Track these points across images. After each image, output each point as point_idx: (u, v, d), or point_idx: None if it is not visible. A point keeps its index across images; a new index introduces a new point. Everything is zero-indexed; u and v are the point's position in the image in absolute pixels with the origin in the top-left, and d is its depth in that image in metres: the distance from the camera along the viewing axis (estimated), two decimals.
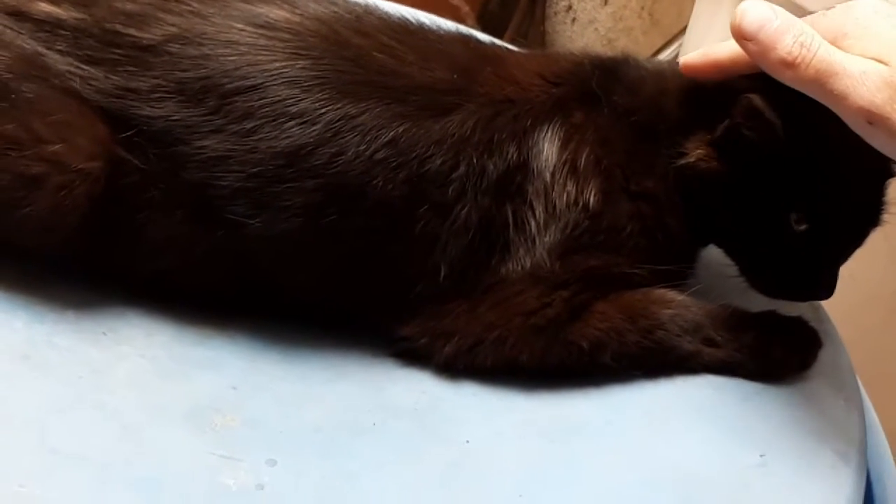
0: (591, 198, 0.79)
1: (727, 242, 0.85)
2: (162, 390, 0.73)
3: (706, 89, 0.81)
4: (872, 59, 0.68)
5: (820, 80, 0.68)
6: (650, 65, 0.88)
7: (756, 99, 0.75)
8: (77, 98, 0.74)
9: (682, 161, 0.80)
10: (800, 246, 0.79)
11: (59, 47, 0.75)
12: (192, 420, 0.71)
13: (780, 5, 0.73)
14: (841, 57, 0.69)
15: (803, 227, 0.78)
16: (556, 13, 2.11)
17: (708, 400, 0.79)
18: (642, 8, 2.05)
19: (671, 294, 0.81)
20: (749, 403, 0.79)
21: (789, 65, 0.69)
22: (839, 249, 0.82)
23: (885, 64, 0.67)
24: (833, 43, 0.70)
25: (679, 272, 0.82)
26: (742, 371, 0.80)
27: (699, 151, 0.80)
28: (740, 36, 0.72)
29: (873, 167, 0.79)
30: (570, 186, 0.78)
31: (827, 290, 0.82)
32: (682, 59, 0.81)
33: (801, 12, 0.73)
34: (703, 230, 0.84)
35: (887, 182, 0.81)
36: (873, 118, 0.67)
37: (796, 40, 0.69)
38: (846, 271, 0.83)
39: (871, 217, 0.81)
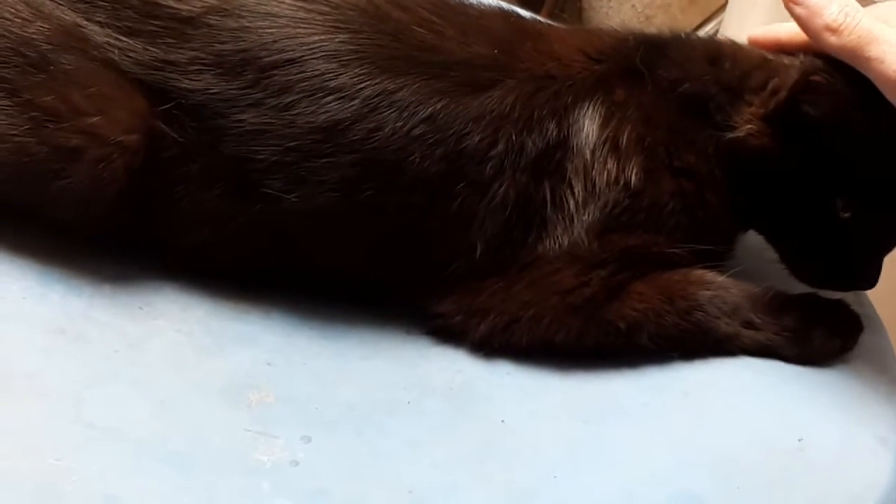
0: (633, 176, 0.78)
1: (768, 226, 0.83)
2: (198, 365, 0.73)
3: (762, 63, 0.80)
4: None
5: (860, 46, 0.72)
6: (701, 38, 0.87)
7: (820, 73, 0.75)
8: (116, 70, 0.74)
9: (731, 135, 0.79)
10: (843, 234, 0.78)
11: (99, 18, 0.75)
12: (227, 395, 0.71)
13: None
14: (882, 27, 0.72)
15: (848, 214, 0.77)
16: None
17: (746, 382, 0.78)
18: None
19: (710, 275, 0.80)
20: (788, 387, 0.78)
21: (833, 30, 0.73)
22: (883, 240, 0.81)
23: None
24: None
25: (719, 252, 0.81)
26: (782, 354, 0.79)
27: (750, 126, 0.78)
28: (791, 1, 0.75)
29: None
30: (611, 164, 0.78)
31: (869, 281, 0.81)
32: (748, 34, 0.82)
33: None
34: (745, 211, 0.83)
35: None
36: None
37: (842, 9, 0.73)
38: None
39: None
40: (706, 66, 0.81)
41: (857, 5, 0.73)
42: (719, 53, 0.82)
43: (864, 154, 0.76)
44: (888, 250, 0.81)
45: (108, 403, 0.68)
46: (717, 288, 0.79)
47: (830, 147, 0.76)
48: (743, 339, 0.79)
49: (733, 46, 0.83)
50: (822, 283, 0.82)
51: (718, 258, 0.81)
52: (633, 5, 2.04)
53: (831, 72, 0.75)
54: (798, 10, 0.75)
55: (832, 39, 0.73)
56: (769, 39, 0.81)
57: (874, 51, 0.71)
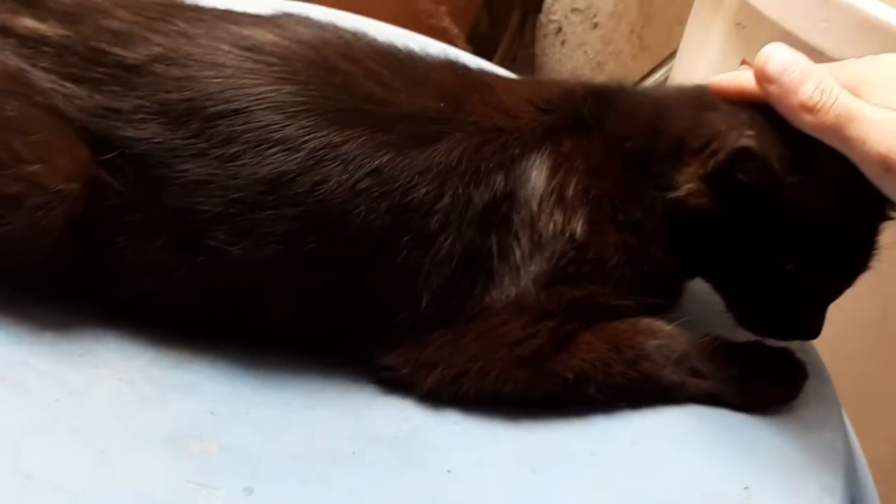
0: (578, 228, 0.78)
1: (714, 277, 0.84)
2: (139, 415, 0.71)
3: (703, 123, 0.80)
4: (892, 107, 0.68)
5: (839, 125, 0.69)
6: (648, 91, 0.88)
7: (752, 142, 0.75)
8: (59, 117, 0.73)
9: (672, 195, 0.79)
10: (787, 285, 0.79)
11: (44, 64, 0.74)
12: (169, 446, 0.69)
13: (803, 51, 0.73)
14: (860, 104, 0.69)
15: (791, 266, 0.78)
16: (545, 35, 2.11)
17: (693, 430, 0.78)
18: (632, 31, 2.05)
19: (657, 324, 0.80)
20: (734, 435, 0.78)
21: (810, 109, 0.70)
22: (827, 291, 0.81)
23: None
24: (854, 90, 0.71)
25: (665, 304, 0.82)
26: (727, 402, 0.80)
27: (690, 186, 0.79)
28: (763, 78, 0.72)
29: (868, 210, 0.79)
30: (557, 216, 0.78)
31: (812, 331, 0.81)
32: (713, 79, 0.81)
33: (824, 59, 0.74)
34: (691, 263, 0.83)
35: (881, 226, 0.81)
36: (891, 164, 0.66)
37: (817, 86, 0.70)
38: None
39: (861, 260, 0.80)
40: (649, 124, 0.82)
41: (833, 79, 0.71)
42: (663, 110, 0.83)
43: (800, 213, 0.76)
44: (831, 300, 0.82)
45: (46, 454, 0.66)
46: (664, 337, 0.80)
47: (767, 207, 0.76)
48: (689, 388, 0.80)
49: (679, 100, 0.84)
50: (767, 333, 0.83)
51: (665, 308, 0.82)
52: (585, 52, 2.07)
53: (767, 141, 0.74)
54: (772, 88, 0.73)
55: (809, 119, 0.71)
56: (733, 89, 0.79)
57: (854, 131, 0.69)
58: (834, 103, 0.70)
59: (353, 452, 0.73)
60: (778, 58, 0.72)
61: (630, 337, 0.79)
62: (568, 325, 0.78)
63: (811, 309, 0.81)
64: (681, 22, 1.77)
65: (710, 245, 0.80)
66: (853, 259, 0.80)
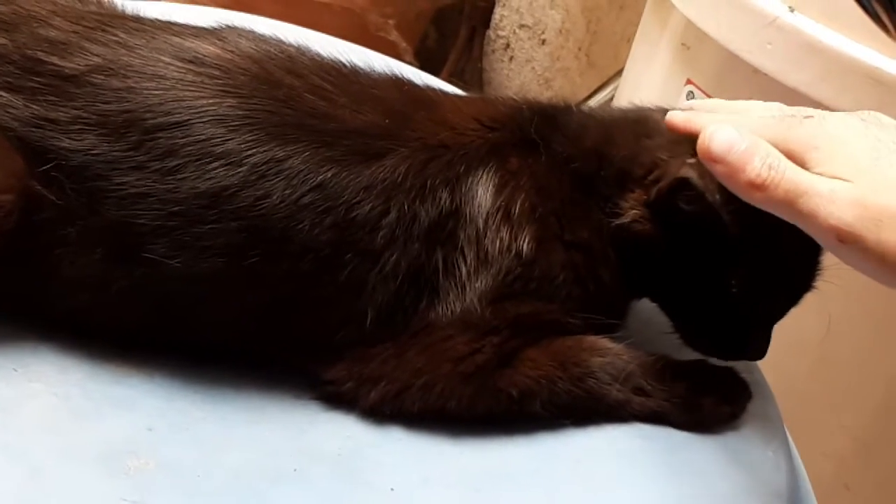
0: (525, 245, 0.77)
1: (661, 299, 0.85)
2: (74, 430, 0.70)
3: (649, 148, 0.80)
4: (840, 177, 0.67)
5: (789, 201, 0.68)
6: (593, 114, 0.88)
7: (692, 172, 0.75)
8: None
9: (618, 221, 0.80)
10: (732, 307, 0.80)
11: None
12: (104, 463, 0.68)
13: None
14: (809, 177, 0.68)
15: (736, 289, 0.78)
16: (493, 51, 2.12)
17: (637, 449, 0.78)
18: (579, 49, 2.07)
19: (602, 342, 0.80)
20: (678, 454, 0.78)
21: (758, 187, 0.68)
22: (772, 312, 0.82)
23: (851, 182, 0.67)
24: (803, 155, 0.70)
25: (611, 322, 0.82)
26: (672, 421, 0.80)
27: (634, 212, 0.79)
28: (709, 158, 0.71)
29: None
30: (504, 233, 0.77)
31: (758, 351, 0.82)
32: (669, 115, 0.80)
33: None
34: (638, 285, 0.84)
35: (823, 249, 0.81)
36: (843, 236, 0.66)
37: (764, 162, 0.69)
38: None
39: (805, 281, 0.81)
40: (594, 150, 0.82)
41: (779, 154, 0.69)
42: (608, 136, 0.83)
43: (741, 238, 0.77)
44: (776, 321, 0.82)
45: None
46: (609, 354, 0.80)
47: (708, 233, 0.77)
48: (634, 406, 0.80)
49: (623, 125, 0.84)
50: (713, 353, 0.83)
51: (610, 327, 0.82)
52: (533, 68, 2.07)
53: (707, 170, 0.74)
54: (718, 168, 0.70)
55: (758, 196, 0.69)
56: (688, 129, 0.78)
57: (804, 205, 0.67)
58: (782, 179, 0.68)
59: (295, 470, 0.71)
60: (722, 137, 0.70)
61: (575, 354, 0.79)
62: (513, 342, 0.77)
63: (756, 330, 0.82)
64: (628, 40, 1.79)
65: (657, 268, 0.81)
66: (796, 280, 0.81)
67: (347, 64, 0.83)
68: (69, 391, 0.72)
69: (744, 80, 1.14)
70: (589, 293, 0.80)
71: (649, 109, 0.87)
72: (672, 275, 0.80)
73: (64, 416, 0.70)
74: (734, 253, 0.77)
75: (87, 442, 0.69)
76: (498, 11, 2.09)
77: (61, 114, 0.72)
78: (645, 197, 0.79)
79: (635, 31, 1.53)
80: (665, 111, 0.83)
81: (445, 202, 0.77)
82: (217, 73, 0.75)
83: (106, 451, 0.69)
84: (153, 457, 0.69)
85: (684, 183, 0.75)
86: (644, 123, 0.84)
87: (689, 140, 0.77)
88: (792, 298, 0.82)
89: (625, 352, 0.80)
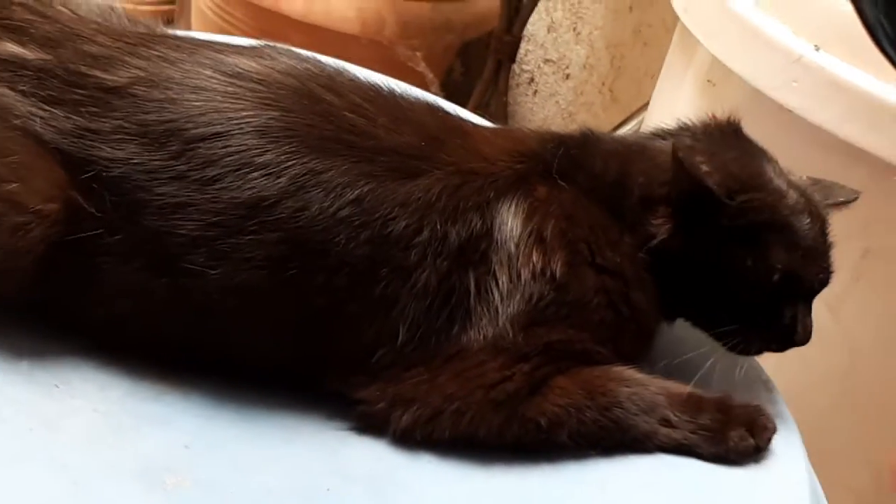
0: (558, 269, 0.79)
1: (699, 313, 0.86)
2: (114, 446, 0.71)
3: (662, 167, 0.83)
4: None
5: None
6: (612, 143, 0.90)
7: (679, 148, 0.79)
8: (37, 140, 0.73)
9: (654, 241, 0.82)
10: (774, 296, 0.82)
11: (22, 88, 0.75)
12: (143, 478, 0.69)
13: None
14: None
15: (776, 276, 0.81)
16: (518, 85, 2.13)
17: (662, 479, 0.79)
18: (603, 84, 2.08)
19: (629, 372, 0.81)
20: (702, 483, 0.79)
21: None
22: (808, 292, 0.84)
23: None
24: None
25: (641, 349, 0.83)
26: (697, 452, 0.81)
27: (667, 227, 0.82)
28: None
29: (815, 209, 0.84)
30: (536, 257, 0.79)
31: (806, 333, 0.84)
32: None
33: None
34: (674, 305, 0.85)
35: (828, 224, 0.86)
36: None
37: None
38: (797, 354, 0.84)
39: (825, 257, 0.84)
40: (616, 181, 0.84)
41: None
42: (625, 169, 0.85)
43: (766, 222, 0.81)
44: (812, 298, 0.85)
45: (20, 484, 0.66)
46: (636, 385, 0.81)
47: (733, 221, 0.80)
48: (660, 437, 0.80)
49: (633, 156, 0.86)
50: (762, 348, 0.85)
51: (639, 356, 0.83)
52: (557, 102, 2.09)
53: (718, 161, 0.80)
54: None
55: None
56: None
57: None
58: None
59: (328, 490, 0.73)
60: None
61: (603, 384, 0.80)
62: (543, 369, 0.78)
63: (799, 314, 0.84)
64: (651, 76, 1.80)
65: (698, 279, 0.83)
66: (818, 258, 0.84)
67: (385, 87, 0.85)
68: (109, 408, 0.74)
69: (769, 117, 1.15)
70: (621, 317, 0.82)
71: (645, 138, 0.91)
72: (715, 280, 0.82)
73: (104, 432, 0.72)
74: (759, 238, 0.81)
75: (126, 458, 0.70)
76: (523, 46, 2.11)
77: (103, 124, 0.74)
78: (669, 208, 0.82)
79: (659, 67, 1.55)
80: (658, 135, 0.88)
81: (476, 225, 0.79)
82: (257, 86, 0.77)
83: (144, 468, 0.70)
84: (190, 474, 0.70)
85: (681, 160, 0.79)
86: (647, 151, 0.87)
87: (695, 140, 0.83)
88: (822, 273, 0.84)
89: (651, 382, 0.81)
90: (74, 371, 0.76)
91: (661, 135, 0.89)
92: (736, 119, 0.89)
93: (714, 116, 0.89)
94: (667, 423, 0.80)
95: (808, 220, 0.83)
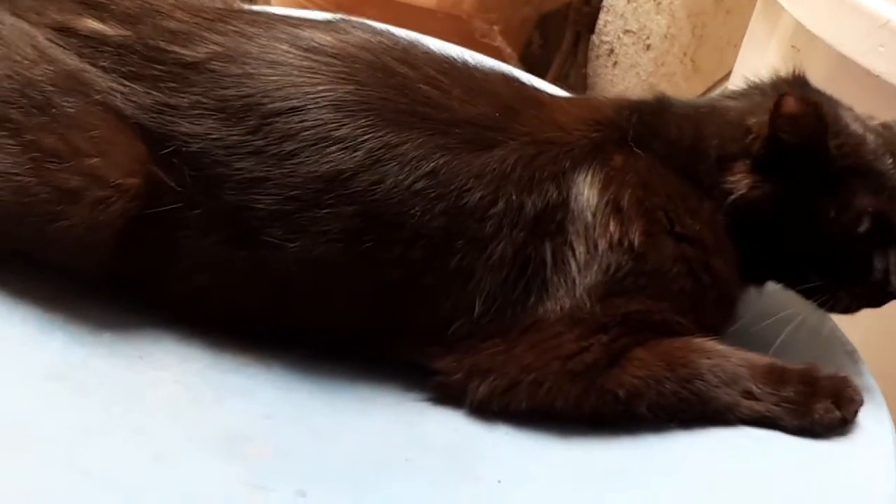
0: (636, 239, 0.78)
1: (787, 269, 0.84)
2: (195, 417, 0.72)
3: (734, 124, 0.83)
4: None
5: None
6: (684, 107, 0.88)
7: (788, 101, 0.77)
8: (117, 115, 0.75)
9: (733, 196, 0.81)
10: (864, 247, 0.81)
11: (103, 63, 0.76)
12: (224, 448, 0.70)
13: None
14: None
15: (865, 227, 0.80)
16: (597, 56, 2.11)
17: (745, 449, 0.78)
18: (684, 54, 2.05)
19: (710, 343, 0.80)
20: (787, 455, 0.78)
21: None
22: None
23: None
24: None
25: (723, 317, 0.82)
26: (781, 425, 0.79)
27: (745, 181, 0.81)
28: None
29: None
30: (613, 227, 0.78)
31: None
32: None
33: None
34: (758, 269, 0.84)
35: None
36: None
37: None
38: (883, 328, 0.82)
39: None
40: (691, 146, 0.84)
41: None
42: (699, 132, 0.84)
43: (857, 168, 0.80)
44: None
45: (103, 453, 0.67)
46: (717, 356, 0.79)
47: (825, 168, 0.79)
48: (742, 409, 0.79)
49: (705, 119, 0.85)
50: (857, 304, 0.83)
51: (721, 327, 0.82)
52: (638, 73, 2.06)
53: (802, 97, 0.78)
54: None
55: None
56: None
57: None
58: None
59: (406, 460, 0.73)
60: None
61: (684, 355, 0.79)
62: (622, 340, 0.78)
63: (891, 266, 0.82)
64: (734, 45, 1.77)
65: (783, 235, 0.81)
66: None
67: (459, 58, 0.85)
68: (191, 379, 0.75)
69: (855, 82, 1.12)
70: (702, 285, 0.80)
71: (713, 99, 0.90)
72: (800, 236, 0.81)
73: (186, 402, 0.73)
74: (849, 185, 0.79)
75: (207, 428, 0.72)
76: (602, 17, 2.08)
77: (182, 99, 0.75)
78: (749, 161, 0.81)
79: (741, 36, 1.52)
80: (727, 97, 0.87)
81: (552, 195, 0.78)
82: (333, 60, 0.77)
83: (225, 437, 0.71)
84: (270, 443, 0.72)
85: (782, 114, 0.78)
86: (718, 111, 0.86)
87: (766, 97, 0.82)
88: None
89: (732, 353, 0.80)
90: (156, 343, 0.77)
91: (730, 95, 0.88)
92: (801, 72, 0.87)
93: (779, 72, 0.88)
94: (749, 395, 0.79)
95: (891, 161, 0.81)
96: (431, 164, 0.75)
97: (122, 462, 0.67)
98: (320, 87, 0.75)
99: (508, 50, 1.88)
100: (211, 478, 0.68)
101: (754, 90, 0.88)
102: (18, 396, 0.70)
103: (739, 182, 0.81)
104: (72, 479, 0.65)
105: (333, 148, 0.74)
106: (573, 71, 2.11)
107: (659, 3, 2.01)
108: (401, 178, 0.75)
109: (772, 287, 0.87)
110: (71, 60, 0.76)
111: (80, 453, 0.67)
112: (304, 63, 0.77)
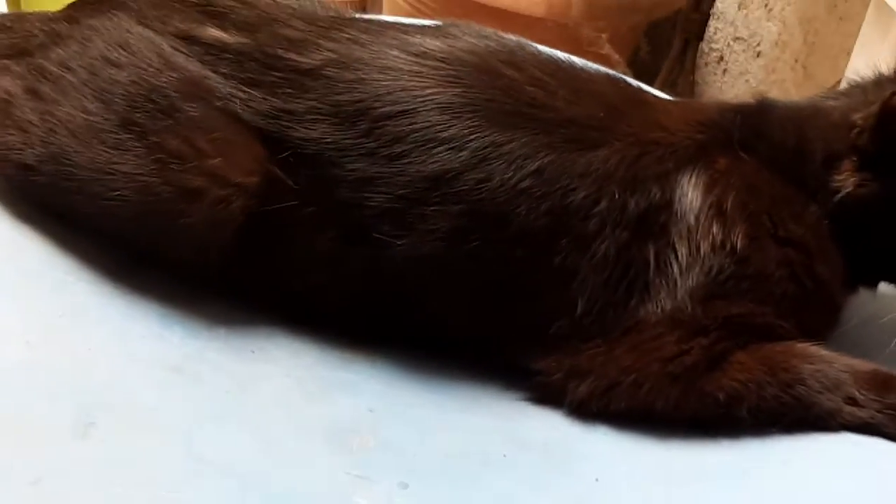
0: (738, 242, 0.78)
1: None
2: (304, 409, 0.75)
3: (839, 124, 0.82)
4: None
5: None
6: (786, 109, 0.88)
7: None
8: (236, 119, 0.78)
9: (841, 195, 0.80)
10: None
11: (224, 70, 0.80)
12: (330, 439, 0.73)
13: None
14: None
15: None
16: (706, 63, 2.09)
17: (847, 455, 0.77)
18: (796, 60, 2.02)
19: (813, 348, 0.80)
20: (889, 465, 0.76)
21: None
22: None
23: None
24: None
25: (826, 323, 0.81)
26: (884, 433, 0.78)
27: (852, 179, 0.80)
28: None
29: None
30: (716, 230, 0.79)
31: None
32: None
33: None
34: (872, 269, 0.84)
35: None
36: None
37: None
38: None
39: None
40: (796, 149, 0.83)
41: None
42: (803, 135, 0.84)
43: None
44: None
45: (218, 441, 0.71)
46: (820, 361, 0.79)
47: None
48: (844, 416, 0.78)
49: (809, 120, 0.85)
50: None
51: (823, 331, 0.81)
52: (748, 80, 2.04)
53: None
54: None
55: None
56: None
57: None
58: None
59: (505, 455, 0.75)
60: None
61: (786, 360, 0.78)
62: (722, 344, 0.78)
63: None
64: (847, 51, 1.73)
65: (891, 234, 0.81)
66: None
67: (564, 60, 0.86)
68: (300, 373, 0.78)
69: None
70: (806, 290, 0.80)
71: (815, 100, 0.89)
72: None
73: (295, 395, 0.76)
74: None
75: (315, 420, 0.75)
76: (712, 24, 2.07)
77: (298, 105, 0.78)
78: (855, 158, 0.80)
79: (854, 42, 1.49)
80: (828, 97, 0.87)
81: (656, 196, 0.79)
82: (441, 64, 0.80)
83: (332, 429, 0.74)
84: (374, 436, 0.74)
85: (889, 105, 0.77)
86: (821, 112, 0.85)
87: (868, 94, 0.81)
88: None
89: (836, 359, 0.79)
90: (268, 338, 0.80)
91: (832, 95, 0.88)
92: None
93: (881, 70, 0.87)
94: (852, 401, 0.78)
95: None
96: (536, 163, 0.77)
97: (235, 450, 0.70)
98: (428, 91, 0.78)
99: (616, 57, 1.88)
100: (317, 467, 0.71)
101: (856, 89, 0.87)
102: (141, 386, 0.74)
103: (846, 180, 0.80)
104: (189, 466, 0.68)
105: (440, 148, 0.77)
106: (681, 78, 2.10)
107: (770, 10, 1.99)
108: (506, 176, 0.77)
109: (884, 289, 0.86)
110: (194, 67, 0.80)
111: (196, 441, 0.70)
112: (414, 68, 0.79)
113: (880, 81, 0.86)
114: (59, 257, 0.80)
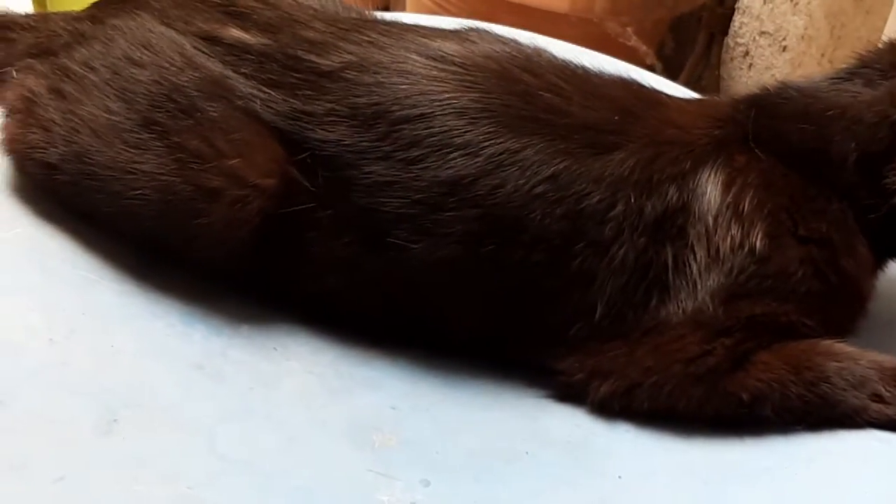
0: (758, 242, 0.78)
1: None
2: (326, 406, 0.76)
3: (871, 122, 0.81)
4: None
5: None
6: (802, 100, 0.86)
7: None
8: (256, 119, 0.78)
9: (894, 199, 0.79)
10: None
11: (245, 70, 0.80)
12: (352, 436, 0.73)
13: None
14: None
15: None
16: (732, 58, 2.08)
17: (873, 452, 0.76)
18: (822, 55, 2.00)
19: (838, 346, 0.79)
20: None
21: None
22: None
23: None
24: None
25: (852, 319, 0.81)
26: None
27: None
28: None
29: None
30: (735, 230, 0.78)
31: None
32: None
33: None
34: None
35: None
36: None
37: None
38: None
39: None
40: (819, 139, 0.82)
41: None
42: (826, 122, 0.82)
43: None
44: None
45: (240, 437, 0.71)
46: (845, 359, 0.78)
47: None
48: (870, 413, 0.78)
49: (842, 109, 0.82)
50: None
51: (853, 325, 0.81)
52: (773, 75, 2.03)
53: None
54: None
55: None
56: None
57: None
58: None
59: (527, 453, 0.75)
60: None
61: (809, 358, 0.78)
62: (745, 344, 0.77)
63: None
64: (873, 45, 1.72)
65: None
66: None
67: (580, 65, 0.86)
68: (323, 370, 0.78)
69: None
70: (831, 286, 0.79)
71: (829, 90, 0.85)
72: None
73: (317, 392, 0.77)
74: None
75: (337, 417, 0.75)
76: (737, 18, 2.05)
77: (317, 107, 0.78)
78: None
79: (881, 37, 1.48)
80: (840, 78, 0.84)
81: (672, 197, 0.79)
82: (459, 69, 0.80)
83: (354, 426, 0.74)
84: (396, 433, 0.74)
85: None
86: (844, 108, 0.83)
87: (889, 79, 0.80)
88: None
89: (862, 356, 0.79)
90: (290, 336, 0.81)
91: (845, 76, 0.85)
92: None
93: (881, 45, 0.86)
94: (878, 398, 0.78)
95: None
96: (551, 169, 0.77)
97: (257, 447, 0.71)
98: (446, 96, 0.78)
99: (644, 48, 1.88)
100: (340, 464, 0.71)
101: (865, 69, 0.85)
102: (163, 384, 0.74)
103: None
104: (211, 462, 0.68)
105: (456, 154, 0.77)
106: (706, 73, 2.09)
107: (796, 4, 1.97)
108: (521, 182, 0.77)
109: None
110: (215, 67, 0.80)
111: (218, 438, 0.70)
112: (432, 72, 0.79)
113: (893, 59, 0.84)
114: (81, 256, 0.81)
